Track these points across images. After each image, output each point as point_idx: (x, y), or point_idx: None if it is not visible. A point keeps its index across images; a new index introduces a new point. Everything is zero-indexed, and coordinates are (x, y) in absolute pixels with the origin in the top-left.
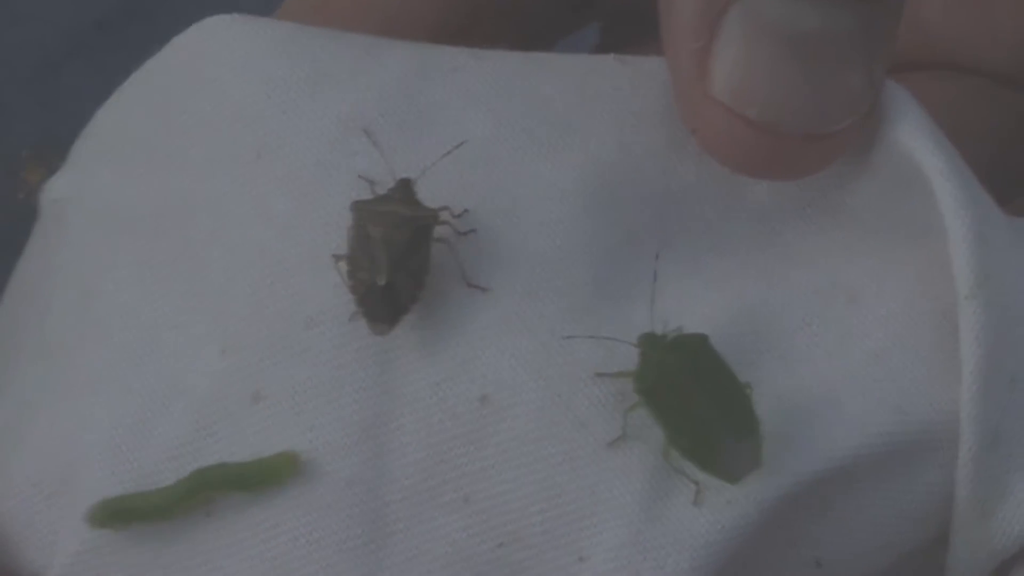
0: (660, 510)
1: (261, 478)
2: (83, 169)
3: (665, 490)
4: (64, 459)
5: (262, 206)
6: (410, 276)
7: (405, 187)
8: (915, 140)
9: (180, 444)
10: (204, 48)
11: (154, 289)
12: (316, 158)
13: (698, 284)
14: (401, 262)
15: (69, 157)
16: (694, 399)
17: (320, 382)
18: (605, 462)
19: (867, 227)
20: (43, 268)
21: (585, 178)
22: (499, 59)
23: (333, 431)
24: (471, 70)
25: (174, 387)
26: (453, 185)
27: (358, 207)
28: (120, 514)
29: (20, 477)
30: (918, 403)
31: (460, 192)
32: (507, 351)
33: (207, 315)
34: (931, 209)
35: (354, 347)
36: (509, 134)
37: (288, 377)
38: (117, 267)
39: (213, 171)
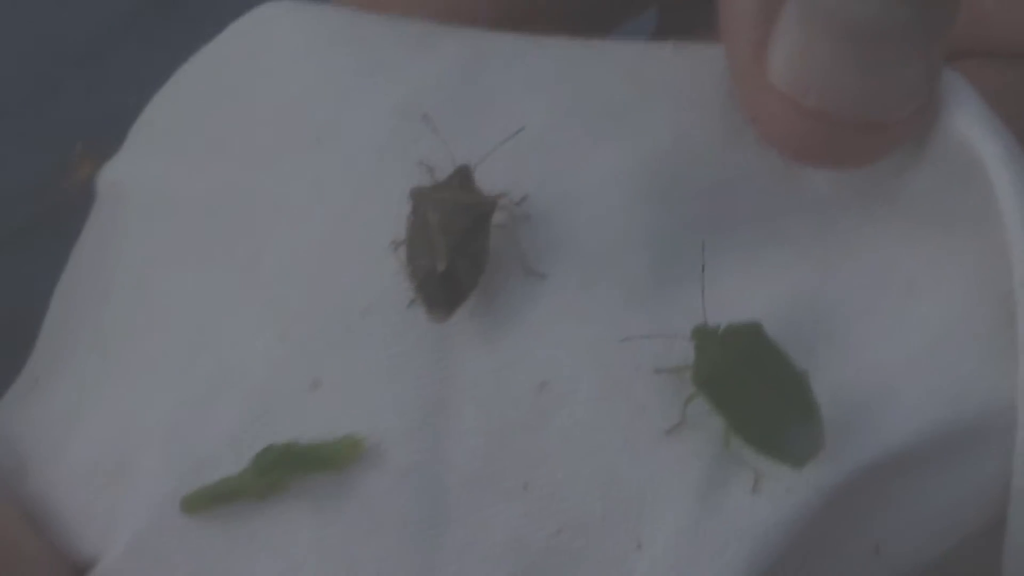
0: (719, 498)
1: (325, 461)
2: (140, 154)
3: (724, 478)
4: (121, 443)
5: (320, 193)
6: (469, 263)
7: (464, 174)
8: (972, 127)
9: (238, 430)
10: (261, 35)
11: (211, 276)
12: (374, 145)
13: (755, 273)
14: (460, 248)
15: (126, 141)
16: (753, 387)
17: (379, 369)
18: (664, 450)
19: (924, 216)
20: (100, 253)
21: (643, 166)
22: (558, 46)
23: (392, 418)
24: (530, 57)
25: (232, 373)
26: (511, 172)
27: (417, 194)
28: (210, 500)
29: (77, 460)
30: (976, 391)
31: (518, 179)
32: (566, 339)
33: (264, 302)
34: (988, 196)
35: (412, 334)
36: (567, 122)
37: (347, 364)
38: (174, 254)
39: (270, 158)
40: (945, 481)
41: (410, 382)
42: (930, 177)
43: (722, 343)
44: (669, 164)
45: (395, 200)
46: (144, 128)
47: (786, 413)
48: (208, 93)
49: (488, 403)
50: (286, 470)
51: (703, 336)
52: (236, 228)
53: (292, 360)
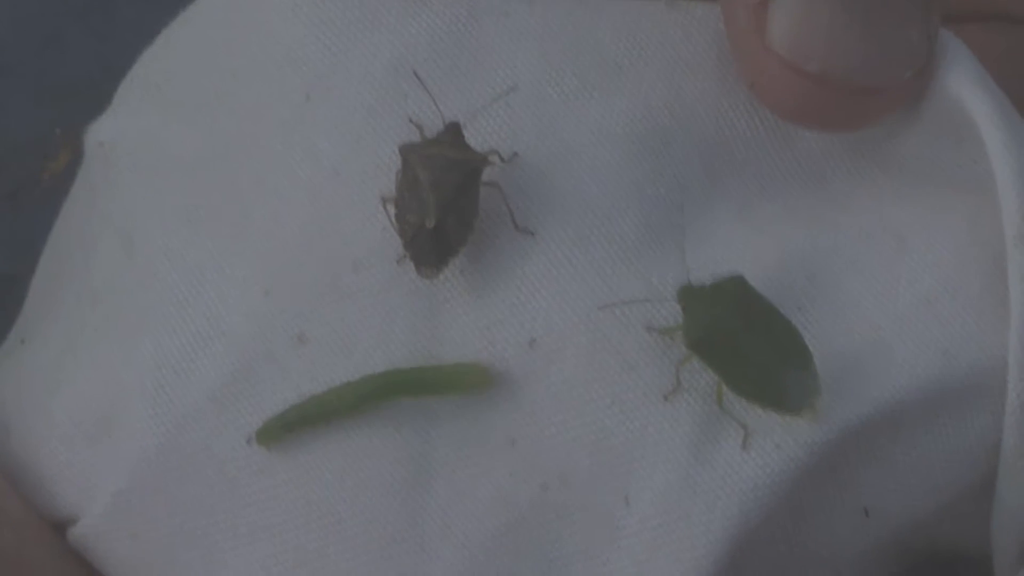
0: (709, 453)
1: (452, 384)
2: (129, 112)
3: (714, 434)
4: (105, 399)
5: (311, 149)
6: (459, 219)
7: (454, 130)
8: (965, 87)
9: (221, 385)
10: None
11: (200, 231)
12: (366, 101)
13: (748, 228)
14: (450, 205)
15: (114, 100)
16: (744, 341)
17: (368, 324)
18: (654, 406)
19: (917, 175)
20: (88, 211)
21: (635, 123)
22: (550, 2)
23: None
24: (522, 13)
25: (215, 328)
26: (503, 129)
27: (407, 150)
28: (294, 424)
29: (61, 417)
30: (967, 348)
31: (510, 136)
32: (556, 296)
33: (251, 257)
34: (981, 155)
35: (403, 290)
36: (560, 78)
37: (335, 319)
38: (163, 210)
39: (261, 114)
40: (935, 440)
41: (399, 337)
42: (923, 136)
43: (710, 301)
44: (661, 122)
45: (386, 156)
46: (133, 85)
47: (780, 362)
48: (198, 49)
49: (477, 359)
50: (404, 394)
51: (690, 296)
52: (225, 184)
53: (278, 315)
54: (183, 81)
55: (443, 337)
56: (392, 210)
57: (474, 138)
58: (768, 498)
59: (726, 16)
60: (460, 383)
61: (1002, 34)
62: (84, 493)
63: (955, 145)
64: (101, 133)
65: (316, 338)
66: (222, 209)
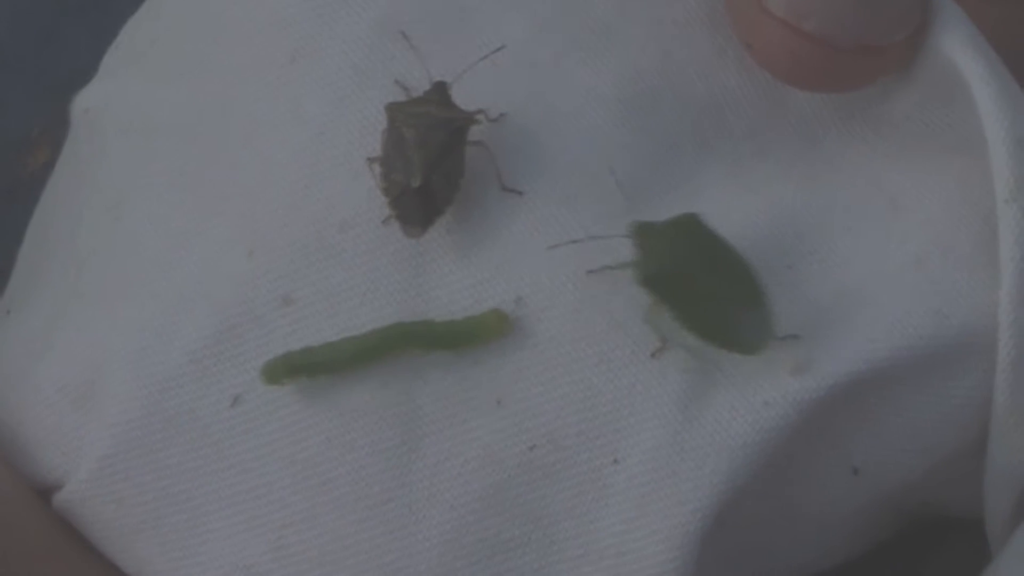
0: (698, 411)
1: (470, 336)
2: (114, 78)
3: (703, 392)
4: (89, 363)
5: (296, 110)
6: (444, 178)
7: (440, 90)
8: (958, 47)
9: (203, 347)
10: None
11: (185, 196)
12: (352, 62)
13: (739, 187)
14: (435, 164)
15: (100, 68)
16: (699, 279)
17: (354, 285)
18: (642, 364)
19: (909, 136)
20: (75, 179)
21: (625, 83)
22: None
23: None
24: None
25: (198, 291)
26: (491, 89)
27: (392, 109)
28: (300, 368)
29: (46, 382)
30: (958, 307)
31: (498, 96)
32: (543, 254)
33: (235, 219)
34: (972, 115)
35: (389, 250)
36: (548, 38)
37: (321, 280)
38: (149, 175)
39: (246, 76)
40: (925, 399)
41: (386, 297)
42: (915, 97)
43: (663, 237)
44: (652, 81)
45: (372, 117)
46: (119, 51)
47: (734, 301)
48: (183, 15)
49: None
50: (415, 346)
51: (643, 232)
52: (211, 147)
53: (262, 276)
54: (168, 47)
55: (429, 296)
56: (378, 170)
57: (462, 98)
58: (757, 456)
59: None
60: (482, 332)
61: (995, 3)
62: (69, 458)
63: (947, 106)
64: (87, 100)
65: (301, 299)
66: (207, 173)
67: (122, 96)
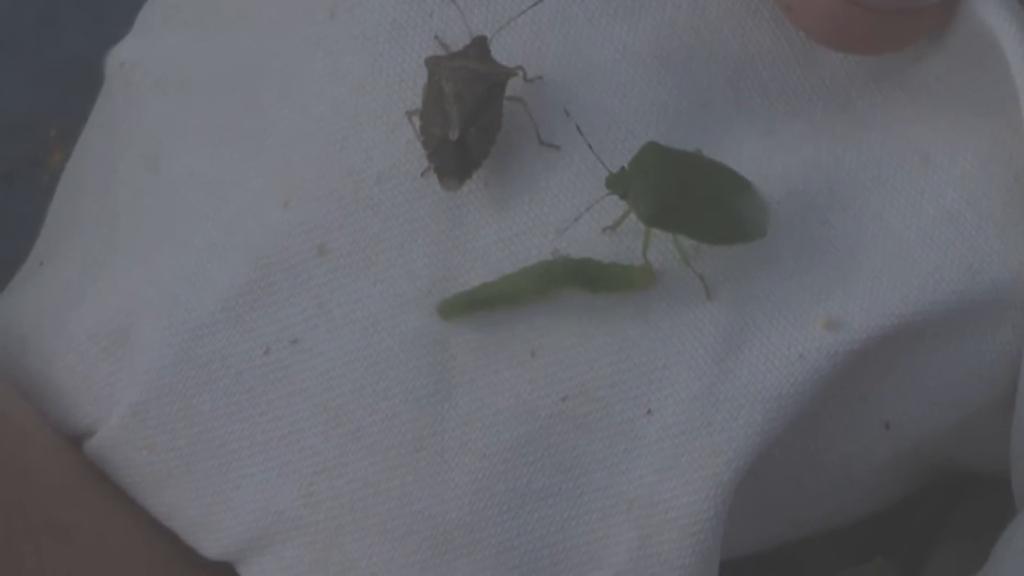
0: (733, 363)
1: (614, 282)
2: (149, 33)
3: (737, 344)
4: (122, 312)
5: (335, 64)
6: (482, 132)
7: (480, 45)
8: (989, 8)
9: (236, 295)
10: None
11: (221, 148)
12: (391, 17)
13: (771, 146)
14: (473, 118)
15: (135, 24)
16: (691, 193)
17: (391, 236)
18: (677, 316)
19: (941, 96)
20: (109, 132)
21: (660, 40)
22: None
23: (402, 284)
24: None
25: (233, 240)
26: (528, 45)
27: (432, 63)
28: (477, 303)
29: (78, 331)
30: (990, 262)
31: (535, 52)
32: (580, 207)
33: (272, 170)
34: (1004, 76)
35: (426, 202)
36: None
37: (357, 230)
38: (185, 128)
39: (284, 30)
40: (957, 354)
41: (422, 248)
42: (947, 58)
43: (640, 174)
44: (686, 40)
45: (411, 71)
46: (155, 8)
47: (728, 197)
48: None
49: (500, 270)
50: (564, 285)
51: (619, 181)
52: (248, 99)
53: (297, 226)
54: (204, 1)
55: (466, 248)
56: (417, 123)
57: (499, 54)
58: (791, 408)
59: None
60: (629, 283)
61: None
62: (101, 405)
63: (979, 67)
64: (122, 55)
65: (336, 249)
66: (244, 125)
67: (157, 49)
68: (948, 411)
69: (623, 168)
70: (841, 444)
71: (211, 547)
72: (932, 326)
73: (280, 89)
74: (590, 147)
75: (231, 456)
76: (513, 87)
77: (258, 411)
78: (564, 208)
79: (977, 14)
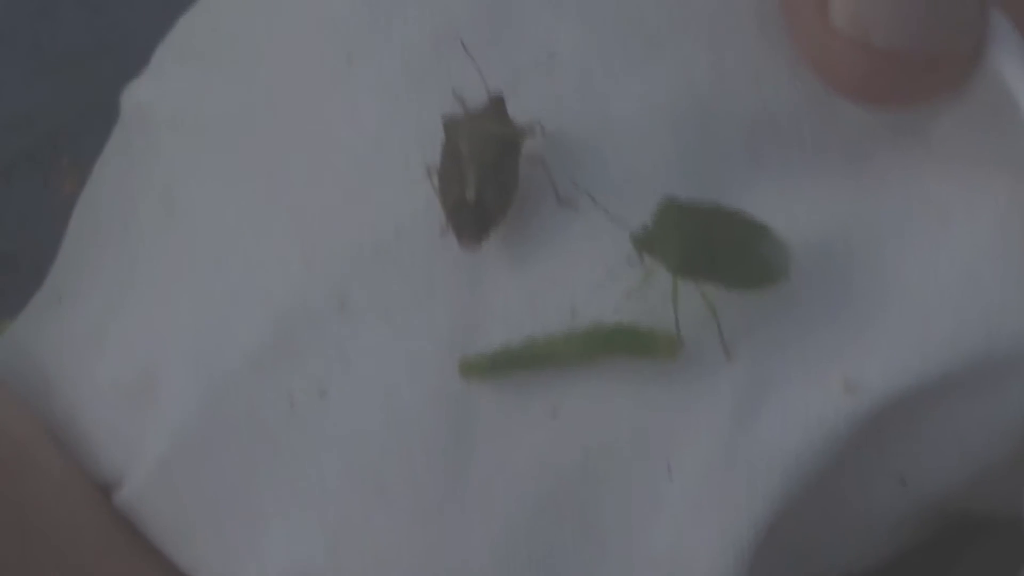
0: (751, 424)
1: (647, 348)
2: (166, 74)
3: (757, 405)
4: (145, 363)
5: (353, 113)
6: (499, 192)
7: (497, 103)
8: (1007, 62)
9: (260, 348)
10: None
11: (238, 193)
12: (408, 68)
13: (789, 199)
14: (490, 178)
15: (152, 62)
16: (715, 244)
17: (410, 291)
18: (697, 375)
19: (958, 151)
20: (126, 170)
21: (678, 96)
22: None
23: (422, 340)
24: None
25: (255, 290)
26: (545, 97)
27: (449, 124)
28: (499, 365)
29: (103, 379)
30: (1008, 321)
31: (552, 105)
32: (599, 265)
33: (291, 219)
34: (1021, 133)
35: (445, 257)
36: (601, 49)
37: (377, 285)
38: (201, 170)
39: (301, 76)
40: (974, 411)
41: (442, 305)
42: (963, 112)
43: (664, 228)
44: (703, 95)
45: (428, 123)
46: (171, 47)
47: (752, 243)
48: (237, 13)
49: (520, 328)
50: (613, 348)
51: (645, 239)
52: (263, 144)
53: (319, 280)
54: (221, 43)
55: (486, 305)
56: (437, 181)
57: (516, 107)
58: (809, 469)
59: (785, 2)
60: (655, 348)
61: None
62: (129, 456)
63: (996, 122)
64: (138, 94)
65: (357, 303)
66: (261, 170)
67: (174, 91)
68: (964, 465)
69: (644, 225)
70: (857, 499)
71: None
72: (949, 384)
73: (297, 136)
74: (606, 212)
75: (256, 510)
76: (530, 144)
77: (283, 465)
78: (584, 265)
79: (995, 70)
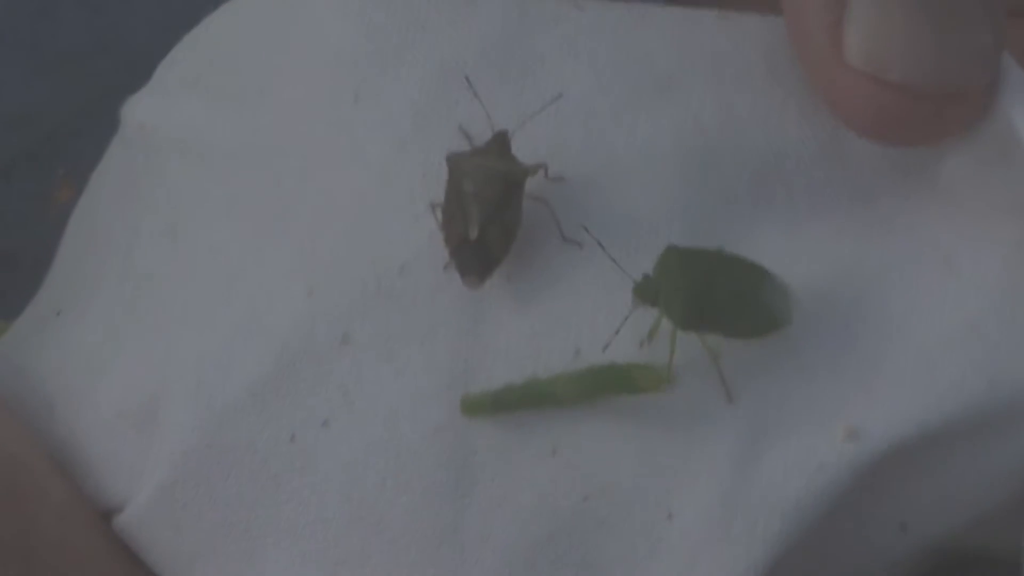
0: (752, 471)
1: (633, 385)
2: (171, 96)
3: (758, 451)
4: (148, 390)
5: (359, 150)
6: (502, 231)
7: (501, 140)
8: (1015, 108)
9: (262, 381)
10: None
11: (242, 226)
12: (415, 106)
13: (795, 244)
14: (493, 217)
15: (153, 79)
16: (718, 291)
17: (413, 328)
18: (698, 420)
19: (965, 196)
20: (129, 191)
21: (684, 137)
22: (600, 10)
23: (423, 377)
24: (572, 21)
25: (257, 324)
26: (551, 139)
27: (453, 161)
28: (500, 404)
29: (107, 406)
30: (1011, 372)
31: (558, 146)
32: (603, 306)
33: (295, 254)
34: None
35: (448, 295)
36: (609, 89)
37: (380, 322)
38: (206, 201)
39: (308, 112)
40: (976, 459)
41: (444, 342)
42: (970, 156)
43: (667, 279)
44: (710, 137)
45: (434, 162)
46: (174, 69)
47: (753, 289)
48: (242, 41)
49: (521, 368)
50: (603, 385)
51: (647, 289)
52: (270, 180)
53: (322, 314)
54: (225, 71)
55: (487, 344)
56: (440, 218)
57: (522, 148)
58: (809, 517)
59: (799, 39)
60: (640, 384)
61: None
62: (130, 483)
63: (1003, 166)
64: (141, 112)
65: (360, 339)
66: (265, 204)
67: (178, 117)
68: (965, 511)
69: (647, 276)
70: (856, 545)
71: None
72: (951, 434)
73: (302, 171)
74: (610, 256)
75: (256, 542)
76: (534, 183)
77: (283, 498)
78: (587, 306)
79: (1004, 113)
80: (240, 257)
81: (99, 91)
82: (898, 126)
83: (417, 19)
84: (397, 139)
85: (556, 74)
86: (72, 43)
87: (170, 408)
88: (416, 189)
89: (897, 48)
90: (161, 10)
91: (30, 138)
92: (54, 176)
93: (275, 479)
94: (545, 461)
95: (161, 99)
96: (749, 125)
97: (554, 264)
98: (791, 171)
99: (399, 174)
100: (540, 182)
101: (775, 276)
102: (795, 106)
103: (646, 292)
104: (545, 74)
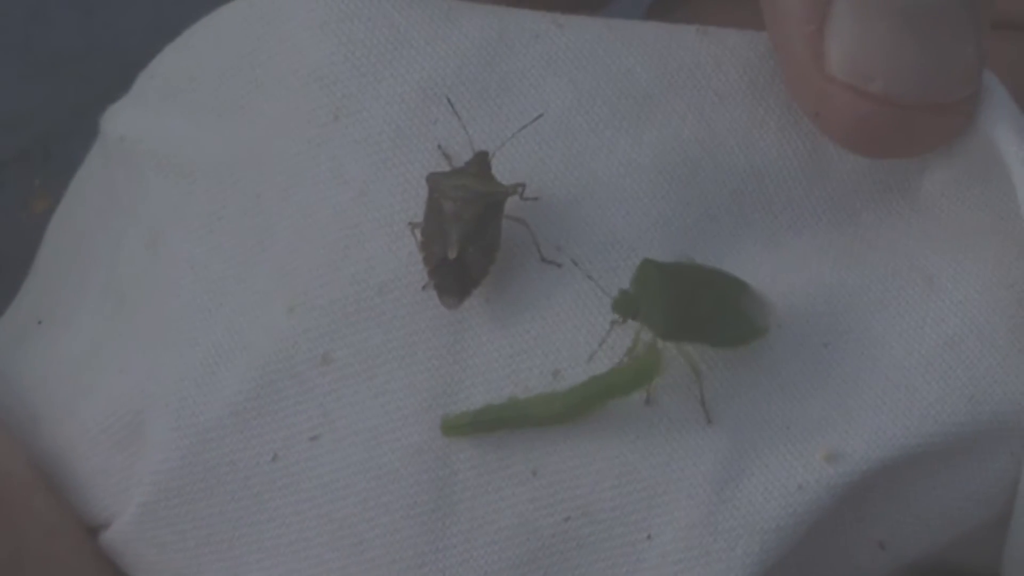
0: (732, 492)
1: (635, 382)
2: (151, 108)
3: (737, 472)
4: (132, 407)
5: (338, 168)
6: (481, 251)
7: (481, 160)
8: (996, 125)
9: (243, 400)
10: (282, 3)
11: (222, 241)
12: (395, 124)
13: (776, 262)
14: (472, 237)
15: (132, 90)
16: (698, 303)
17: (392, 348)
18: (678, 441)
19: (945, 213)
20: (110, 203)
21: (664, 154)
22: (580, 26)
23: (403, 397)
24: (552, 38)
25: (238, 343)
26: (531, 157)
27: (433, 181)
28: (480, 424)
29: (91, 422)
30: (991, 392)
31: (538, 164)
32: (582, 327)
33: (275, 272)
34: (1010, 196)
35: (428, 315)
36: (589, 106)
37: (359, 341)
38: (187, 217)
39: (288, 129)
40: (955, 479)
41: (423, 362)
42: (952, 174)
43: (646, 292)
44: (691, 153)
45: (413, 181)
46: (154, 81)
47: (732, 300)
48: (224, 55)
49: (500, 388)
50: (594, 398)
51: (627, 302)
52: (249, 196)
53: (303, 333)
54: (206, 85)
55: (467, 364)
56: (419, 238)
57: (502, 166)
58: (788, 538)
59: (781, 49)
60: (641, 378)
61: (1011, 42)
62: (116, 499)
63: (984, 183)
64: (121, 125)
65: (340, 359)
66: (245, 221)
67: (158, 129)
68: (944, 530)
69: (623, 291)
70: (836, 564)
71: None
72: (931, 454)
73: (283, 189)
74: (589, 277)
75: (238, 560)
76: (513, 203)
77: (265, 517)
78: (566, 327)
79: (984, 131)
80: (221, 273)
81: (91, 93)
82: (879, 137)
83: (397, 37)
84: (376, 157)
85: (536, 91)
86: (64, 45)
87: (153, 427)
88: (395, 207)
89: (879, 59)
90: (153, 12)
91: (22, 139)
92: (32, 185)
93: (257, 498)
94: (526, 482)
95: (142, 111)
96: (729, 142)
97: (533, 285)
98: (771, 187)
99: (378, 192)
100: (519, 202)
101: (751, 286)
102: (775, 123)
103: (625, 306)
104: (525, 91)
